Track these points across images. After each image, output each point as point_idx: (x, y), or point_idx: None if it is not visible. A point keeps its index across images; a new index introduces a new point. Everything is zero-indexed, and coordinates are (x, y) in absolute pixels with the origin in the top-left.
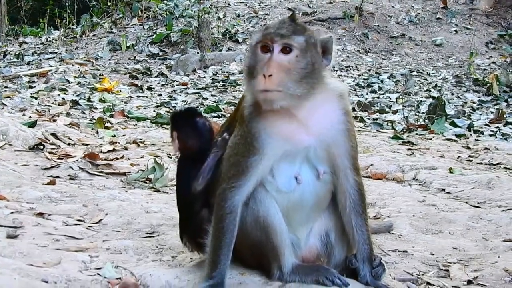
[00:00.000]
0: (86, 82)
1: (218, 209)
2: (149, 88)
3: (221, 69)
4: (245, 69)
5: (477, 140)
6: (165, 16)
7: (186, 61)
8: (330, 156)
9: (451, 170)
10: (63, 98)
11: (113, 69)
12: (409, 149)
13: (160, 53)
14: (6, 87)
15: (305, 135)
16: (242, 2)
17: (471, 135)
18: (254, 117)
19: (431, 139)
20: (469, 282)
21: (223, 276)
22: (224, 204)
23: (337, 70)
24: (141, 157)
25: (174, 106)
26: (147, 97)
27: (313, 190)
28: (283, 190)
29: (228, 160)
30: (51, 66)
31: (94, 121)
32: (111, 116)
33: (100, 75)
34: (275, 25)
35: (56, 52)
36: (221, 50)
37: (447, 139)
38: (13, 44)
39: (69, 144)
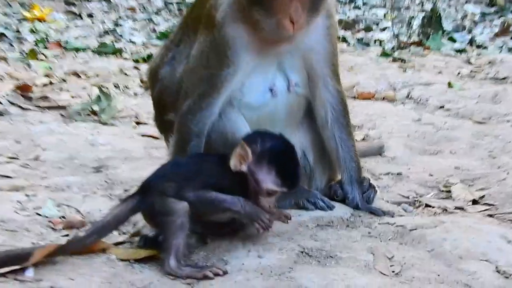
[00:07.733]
0: (13, 12)
1: (182, 131)
2: (90, 15)
3: None
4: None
5: (480, 54)
6: None
7: None
8: (307, 64)
9: (450, 85)
10: None
11: None
12: (401, 67)
13: None
14: None
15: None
16: None
17: (473, 50)
18: (229, 21)
19: (426, 55)
20: (474, 202)
21: None
22: (191, 125)
23: None
24: (84, 89)
25: (121, 35)
26: (87, 25)
27: (286, 102)
28: (255, 104)
29: (195, 73)
30: None
31: (26, 54)
32: (45, 48)
33: (29, 2)
34: None
35: None
36: None
37: (445, 55)
38: None
39: None
